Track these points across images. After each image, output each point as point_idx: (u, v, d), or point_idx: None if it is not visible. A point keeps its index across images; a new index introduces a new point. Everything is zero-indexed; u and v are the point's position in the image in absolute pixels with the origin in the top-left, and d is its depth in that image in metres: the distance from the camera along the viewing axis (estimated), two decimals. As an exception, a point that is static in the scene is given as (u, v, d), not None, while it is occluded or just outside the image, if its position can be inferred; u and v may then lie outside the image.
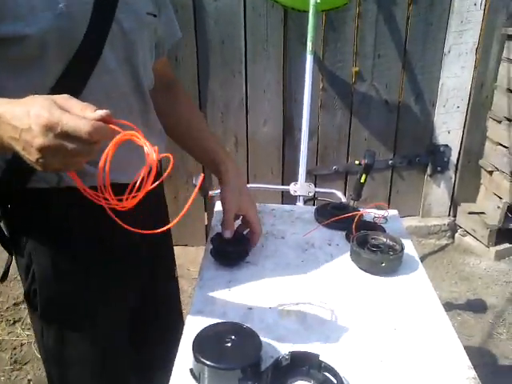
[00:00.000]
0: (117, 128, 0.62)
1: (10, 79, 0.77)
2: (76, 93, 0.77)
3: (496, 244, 2.67)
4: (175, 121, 1.09)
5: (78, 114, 0.60)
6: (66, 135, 0.59)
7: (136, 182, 0.64)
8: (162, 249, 1.13)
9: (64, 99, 0.61)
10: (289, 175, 2.60)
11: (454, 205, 2.86)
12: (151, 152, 0.61)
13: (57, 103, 0.60)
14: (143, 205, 0.95)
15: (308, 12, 2.03)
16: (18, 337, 2.04)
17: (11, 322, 2.12)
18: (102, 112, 0.61)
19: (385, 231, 1.09)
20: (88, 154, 0.62)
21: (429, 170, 2.75)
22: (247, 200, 1.03)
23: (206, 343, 0.72)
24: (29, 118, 0.59)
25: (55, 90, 0.77)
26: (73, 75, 0.78)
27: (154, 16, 0.93)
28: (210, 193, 1.80)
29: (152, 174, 0.63)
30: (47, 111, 0.59)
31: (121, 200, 0.67)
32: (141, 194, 0.65)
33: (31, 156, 0.61)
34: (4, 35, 0.72)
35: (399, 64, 2.49)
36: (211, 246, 1.01)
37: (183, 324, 0.84)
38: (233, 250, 0.99)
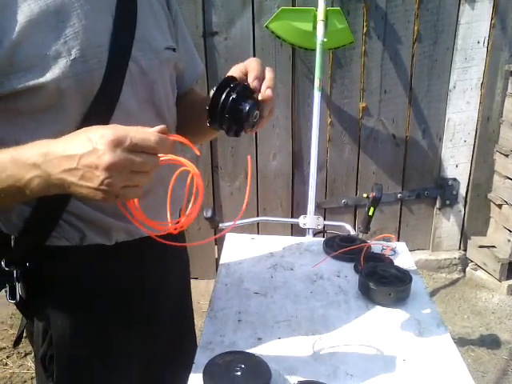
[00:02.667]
0: (177, 138, 0.65)
1: (26, 133, 0.74)
2: None
3: (508, 278, 2.64)
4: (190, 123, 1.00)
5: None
6: (133, 148, 0.59)
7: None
8: (184, 294, 1.10)
9: (114, 125, 0.62)
10: (298, 208, 2.62)
11: (464, 238, 2.85)
12: (198, 177, 0.65)
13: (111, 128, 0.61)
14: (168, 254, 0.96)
15: (315, 50, 2.10)
16: (28, 370, 2.03)
17: (22, 354, 2.12)
18: (158, 128, 0.62)
19: (393, 263, 1.10)
20: (153, 166, 0.62)
21: (438, 204, 2.76)
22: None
23: (216, 372, 0.73)
24: (90, 141, 0.59)
25: None
26: (92, 121, 0.73)
27: (173, 50, 0.90)
28: (221, 225, 1.82)
29: (200, 197, 0.68)
30: (110, 130, 0.60)
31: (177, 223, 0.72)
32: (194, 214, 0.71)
33: (94, 180, 0.59)
34: (18, 88, 0.70)
35: (405, 99, 2.54)
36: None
37: None
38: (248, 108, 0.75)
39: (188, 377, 0.78)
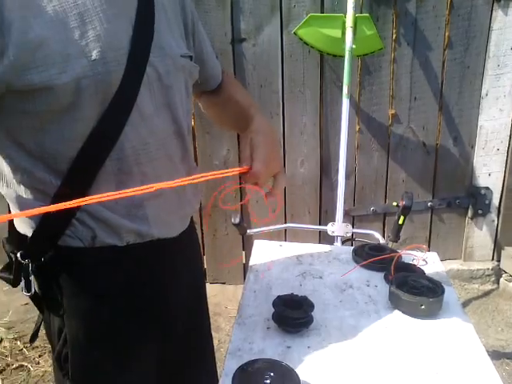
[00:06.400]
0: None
1: (45, 135, 0.76)
2: (112, 141, 0.79)
3: (543, 290, 2.57)
4: (220, 111, 1.14)
5: None
6: None
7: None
8: (198, 299, 1.10)
9: None
10: (326, 215, 2.60)
11: (497, 248, 2.78)
12: None
13: None
14: (181, 253, 0.97)
15: (344, 57, 2.08)
16: (59, 369, 2.07)
17: (54, 353, 2.17)
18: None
19: (424, 273, 1.08)
20: None
21: (469, 213, 2.70)
22: (278, 158, 1.01)
23: (245, 379, 0.72)
24: None
25: (90, 139, 0.77)
26: (108, 123, 0.78)
27: (190, 58, 0.92)
28: (248, 231, 1.82)
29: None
30: None
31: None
32: None
33: None
34: (36, 83, 0.71)
35: (436, 107, 2.50)
36: (273, 310, 0.93)
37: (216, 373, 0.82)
38: (299, 317, 0.91)
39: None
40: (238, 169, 0.87)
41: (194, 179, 0.76)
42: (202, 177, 0.76)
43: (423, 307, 0.95)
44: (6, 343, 2.27)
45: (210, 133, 2.45)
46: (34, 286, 0.86)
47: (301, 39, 2.29)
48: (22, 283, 0.86)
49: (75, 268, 0.85)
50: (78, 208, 0.81)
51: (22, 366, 2.13)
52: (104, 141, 0.78)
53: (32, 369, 2.10)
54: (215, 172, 0.80)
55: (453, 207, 2.69)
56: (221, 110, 1.13)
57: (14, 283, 0.88)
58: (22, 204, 0.82)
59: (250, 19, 2.30)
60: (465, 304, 2.59)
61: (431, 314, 0.96)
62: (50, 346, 2.16)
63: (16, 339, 2.29)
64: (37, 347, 2.22)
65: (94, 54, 0.74)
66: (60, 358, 0.89)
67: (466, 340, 0.90)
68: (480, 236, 2.75)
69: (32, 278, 0.85)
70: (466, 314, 0.99)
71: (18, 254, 0.84)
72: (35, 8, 0.70)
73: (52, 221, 0.82)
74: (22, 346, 2.24)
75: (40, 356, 2.18)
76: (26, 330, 2.34)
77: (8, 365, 2.13)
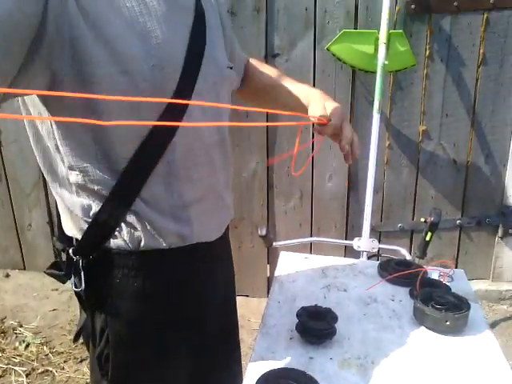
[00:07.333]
0: None
1: (102, 134, 0.79)
2: (165, 144, 0.82)
3: None
4: (251, 94, 1.17)
5: None
6: None
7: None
8: (229, 305, 1.12)
9: None
10: (352, 230, 2.60)
11: (528, 270, 2.71)
12: None
13: None
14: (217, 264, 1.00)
15: (376, 73, 2.09)
16: (83, 375, 2.10)
17: (78, 359, 2.20)
18: None
19: (450, 290, 1.08)
20: None
21: (500, 232, 2.65)
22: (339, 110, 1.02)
23: (267, 386, 0.74)
24: None
25: (146, 141, 0.80)
26: (163, 126, 0.81)
27: (231, 68, 0.97)
28: (274, 244, 1.84)
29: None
30: None
31: None
32: None
33: None
34: (97, 76, 0.73)
35: (468, 124, 2.47)
36: (297, 321, 0.94)
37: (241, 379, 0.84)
38: (323, 328, 0.92)
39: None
40: (317, 118, 0.94)
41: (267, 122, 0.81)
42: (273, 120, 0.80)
43: (448, 323, 0.95)
44: (32, 348, 2.31)
45: (240, 146, 2.49)
46: (83, 283, 0.88)
47: (333, 55, 2.32)
48: (72, 279, 0.89)
49: (121, 269, 0.87)
50: (128, 209, 0.84)
51: (47, 370, 2.16)
52: (158, 143, 0.82)
53: (57, 374, 2.14)
54: (289, 111, 0.87)
55: (482, 226, 2.65)
56: (254, 98, 1.18)
57: (64, 279, 0.92)
58: (74, 204, 0.85)
59: (284, 35, 2.34)
60: (493, 325, 2.53)
61: (456, 330, 0.96)
62: (74, 352, 2.18)
63: (42, 344, 2.33)
64: (62, 353, 2.26)
65: (154, 60, 0.78)
66: (101, 358, 0.91)
67: (490, 358, 0.90)
68: (510, 256, 2.69)
69: (82, 274, 0.87)
70: (492, 331, 0.98)
71: (70, 250, 0.87)
72: (114, 11, 0.75)
73: (102, 224, 0.84)
74: (47, 351, 2.28)
75: (65, 361, 2.22)
76: (53, 336, 2.38)
77: (34, 369, 2.17)
